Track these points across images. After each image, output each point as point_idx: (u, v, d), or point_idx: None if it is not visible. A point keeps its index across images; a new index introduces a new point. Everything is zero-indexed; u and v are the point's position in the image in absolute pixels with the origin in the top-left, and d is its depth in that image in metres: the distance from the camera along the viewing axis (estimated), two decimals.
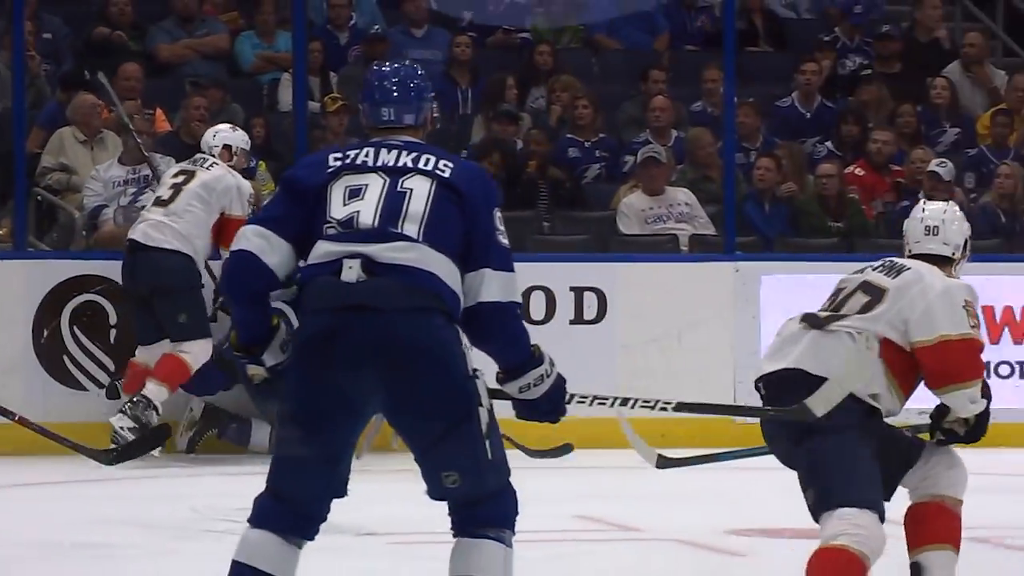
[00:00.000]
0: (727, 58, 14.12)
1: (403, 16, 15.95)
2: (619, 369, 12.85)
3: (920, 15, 16.31)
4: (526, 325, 5.57)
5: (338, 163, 5.36)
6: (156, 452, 11.56)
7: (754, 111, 14.79)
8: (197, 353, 11.81)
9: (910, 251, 7.08)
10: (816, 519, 6.81)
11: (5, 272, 12.43)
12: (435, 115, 5.58)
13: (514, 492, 5.41)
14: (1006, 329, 12.99)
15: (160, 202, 12.16)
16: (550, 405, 5.49)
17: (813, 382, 6.68)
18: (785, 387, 6.77)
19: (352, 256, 5.20)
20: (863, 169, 14.32)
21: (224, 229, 11.70)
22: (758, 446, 7.75)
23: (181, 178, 11.97)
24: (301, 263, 5.41)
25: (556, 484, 9.07)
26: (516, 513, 5.43)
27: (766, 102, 15.28)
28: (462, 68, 15.79)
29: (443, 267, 5.22)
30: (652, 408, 6.69)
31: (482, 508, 5.38)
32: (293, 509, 5.34)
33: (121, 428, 11.70)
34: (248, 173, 13.01)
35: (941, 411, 7.02)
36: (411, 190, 5.26)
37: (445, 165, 5.30)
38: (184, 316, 11.87)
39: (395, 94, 5.46)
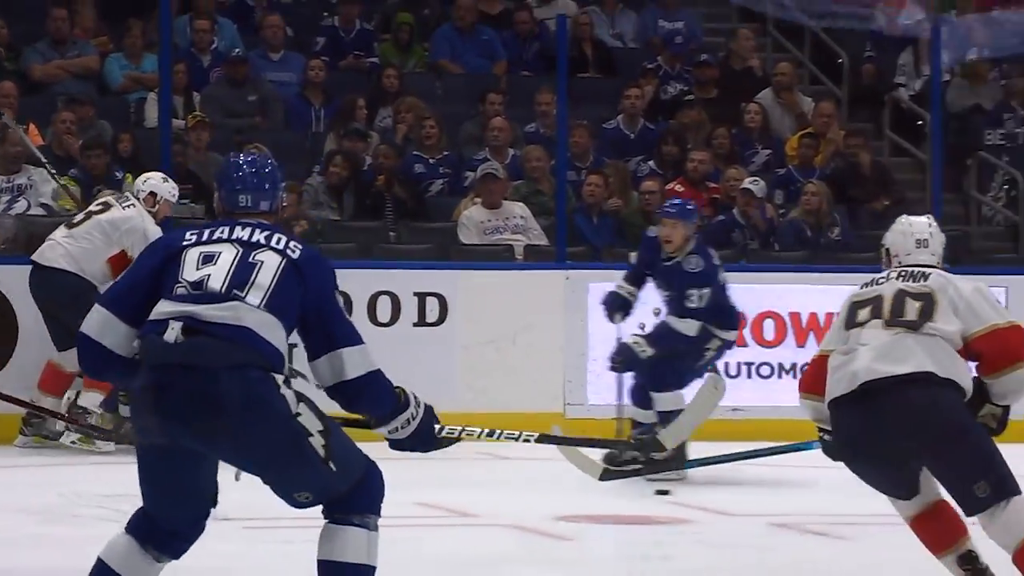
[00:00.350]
0: (560, 83, 14.06)
1: (261, 40, 15.79)
2: (459, 368, 12.89)
3: (735, 45, 16.51)
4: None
5: (194, 237, 5.40)
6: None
7: (585, 132, 14.66)
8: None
9: (900, 262, 7.17)
10: (980, 510, 6.85)
11: None
12: (285, 203, 5.79)
13: (375, 477, 5.44)
14: (811, 334, 13.05)
15: (68, 224, 11.91)
16: (418, 441, 5.60)
17: (941, 383, 6.83)
18: (913, 388, 6.80)
19: (177, 318, 5.22)
20: (682, 185, 14.19)
21: (122, 267, 10.98)
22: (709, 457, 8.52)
23: (97, 207, 11.67)
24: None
25: (397, 472, 9.08)
26: (381, 497, 5.46)
27: (595, 124, 15.13)
28: (316, 89, 15.72)
29: (265, 324, 5.25)
30: (516, 440, 6.66)
31: (343, 501, 5.39)
32: (158, 526, 5.32)
33: (72, 443, 11.58)
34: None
35: (975, 406, 7.05)
36: (262, 262, 5.29)
37: (295, 247, 5.36)
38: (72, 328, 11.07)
39: (252, 182, 5.56)
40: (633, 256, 12.15)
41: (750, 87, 16.11)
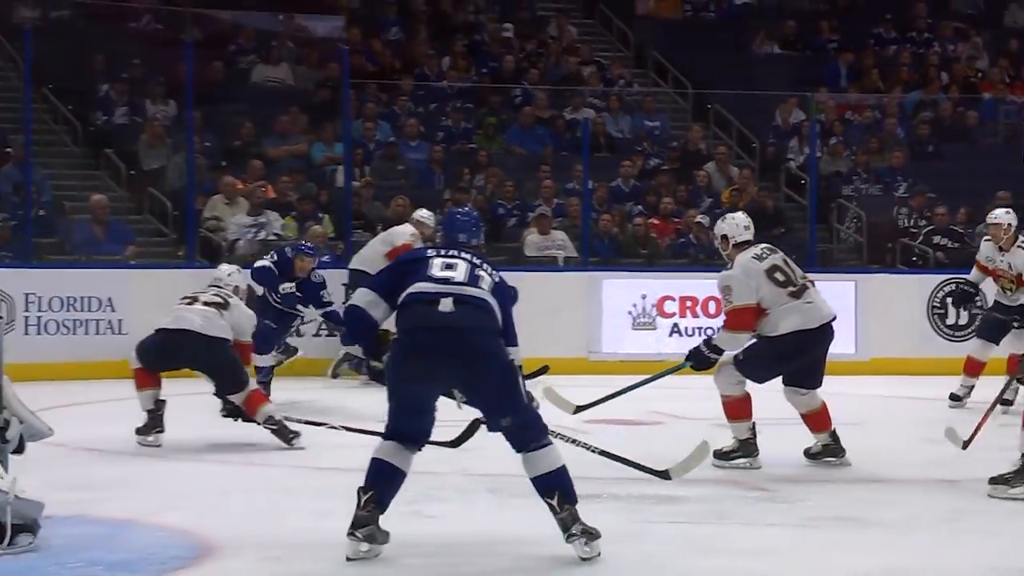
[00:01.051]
0: (584, 159, 14.41)
1: (404, 134, 15.85)
2: (521, 334, 13.00)
3: (690, 135, 16.69)
4: None
5: (434, 251, 5.44)
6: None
7: (601, 188, 14.91)
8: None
9: (735, 242, 7.33)
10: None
11: (182, 277, 11.54)
12: (482, 242, 5.78)
13: (537, 416, 5.29)
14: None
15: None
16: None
17: None
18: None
19: (445, 294, 5.17)
20: (658, 220, 14.76)
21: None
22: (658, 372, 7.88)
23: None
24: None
25: None
26: (545, 427, 5.30)
27: (606, 183, 15.29)
28: (437, 163, 15.56)
29: (494, 306, 5.21)
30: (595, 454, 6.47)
31: (528, 431, 5.24)
32: (401, 434, 5.25)
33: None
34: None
35: None
36: (482, 277, 5.25)
37: (495, 274, 5.33)
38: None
39: (468, 226, 5.86)
40: None
41: (699, 161, 16.31)
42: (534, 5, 19.28)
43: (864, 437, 8.34)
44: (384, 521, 5.19)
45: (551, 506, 5.17)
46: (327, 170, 15.30)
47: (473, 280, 5.24)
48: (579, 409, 7.88)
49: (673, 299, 13.50)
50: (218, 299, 8.45)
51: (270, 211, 14.02)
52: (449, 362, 5.15)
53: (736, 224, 7.52)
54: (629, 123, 17.26)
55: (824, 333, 7.34)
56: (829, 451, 7.69)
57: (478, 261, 5.37)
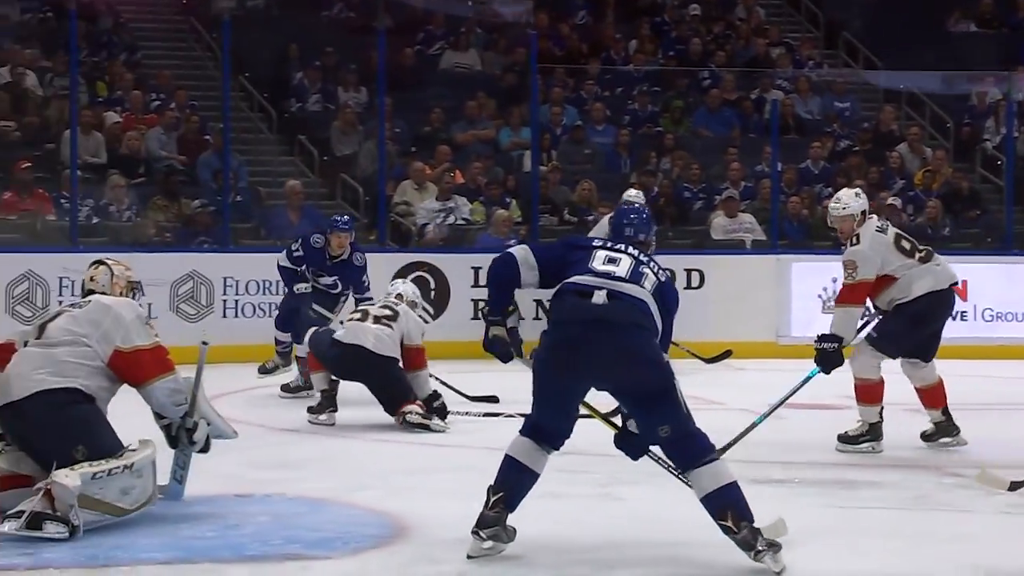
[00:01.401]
0: (773, 141, 14.33)
1: (590, 118, 15.87)
2: (711, 315, 12.61)
3: (882, 116, 16.49)
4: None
5: (601, 242, 5.19)
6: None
7: (790, 171, 14.73)
8: None
9: (868, 216, 7.41)
10: None
11: (374, 261, 10.85)
12: (653, 243, 5.33)
13: (699, 428, 4.99)
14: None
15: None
16: None
17: None
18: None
19: (600, 287, 4.95)
20: None
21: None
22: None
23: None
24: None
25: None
26: (709, 441, 4.98)
27: (795, 165, 15.15)
28: (623, 147, 15.66)
29: (652, 305, 4.98)
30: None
31: (690, 445, 4.95)
32: (543, 431, 5.04)
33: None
34: None
35: None
36: (646, 275, 5.03)
37: (663, 273, 5.11)
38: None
39: (638, 221, 5.33)
40: None
41: (891, 142, 16.11)
42: None
43: None
44: (578, 505, 5.25)
45: (726, 528, 4.84)
46: (514, 155, 15.35)
47: (635, 277, 5.02)
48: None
49: None
50: (387, 311, 8.62)
51: (458, 196, 14.15)
52: (600, 359, 4.91)
53: (864, 199, 7.54)
54: (819, 104, 17.02)
55: (952, 296, 7.45)
56: (943, 429, 7.63)
57: (645, 259, 5.13)
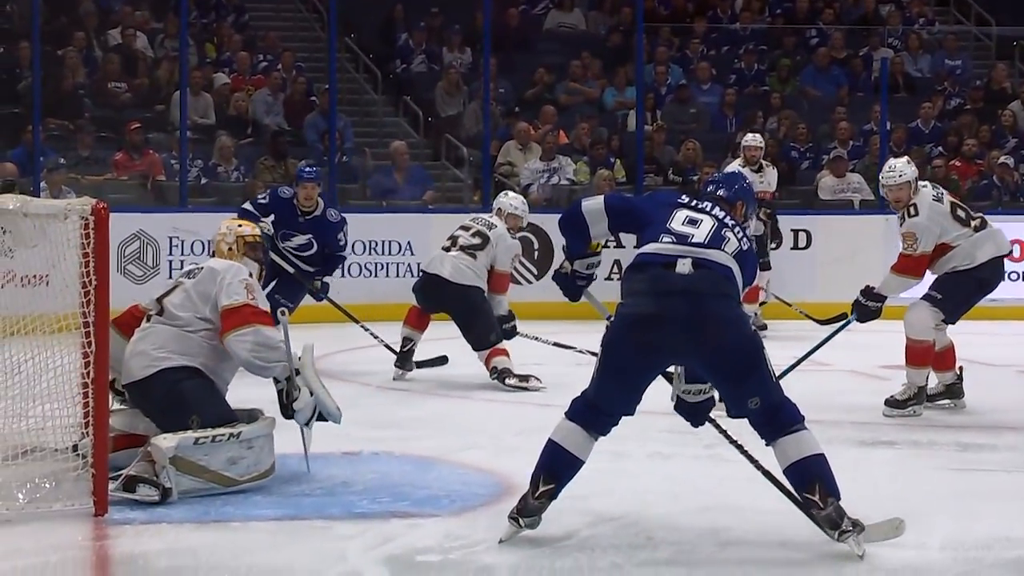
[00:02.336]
0: (883, 100, 14.11)
1: (695, 77, 15.85)
2: (818, 276, 12.71)
3: (994, 74, 16.18)
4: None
5: (685, 199, 4.95)
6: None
7: (900, 130, 14.65)
8: None
9: (922, 186, 7.34)
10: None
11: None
12: (747, 214, 5.06)
13: (787, 397, 4.78)
14: None
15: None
16: None
17: None
18: None
19: (683, 256, 4.70)
20: (960, 162, 14.48)
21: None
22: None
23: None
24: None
25: None
26: (798, 409, 4.74)
27: (904, 124, 15.07)
28: (729, 106, 15.51)
29: (735, 270, 4.75)
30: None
31: (779, 414, 4.72)
32: (599, 414, 4.81)
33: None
34: None
35: None
36: (728, 239, 4.79)
37: (745, 240, 4.88)
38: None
39: (726, 180, 5.12)
40: None
41: (1004, 100, 15.82)
42: None
43: None
44: (687, 465, 5.30)
45: (811, 502, 4.62)
46: (619, 115, 15.38)
47: (716, 241, 4.77)
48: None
49: None
50: (477, 240, 8.57)
51: (562, 156, 14.16)
52: (685, 333, 4.64)
53: (914, 168, 7.49)
54: (929, 62, 16.80)
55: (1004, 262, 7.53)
56: (952, 391, 7.66)
57: (730, 222, 4.87)
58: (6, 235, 5.54)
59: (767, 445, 4.72)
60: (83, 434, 5.34)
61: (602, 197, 4.98)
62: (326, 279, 9.39)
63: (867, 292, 7.25)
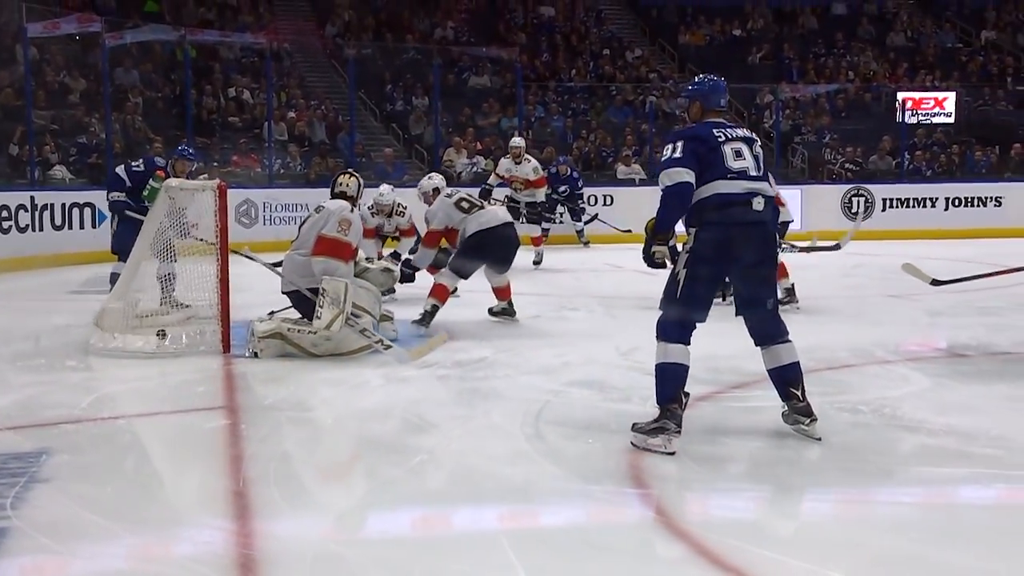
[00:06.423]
0: (650, 125, 17.37)
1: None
2: None
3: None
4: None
5: (721, 135, 5.14)
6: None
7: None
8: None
9: None
10: None
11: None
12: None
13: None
14: None
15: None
16: None
17: None
18: None
19: (754, 192, 5.03)
20: None
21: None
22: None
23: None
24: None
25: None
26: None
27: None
28: (568, 129, 18.65)
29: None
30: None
31: (779, 322, 5.19)
32: (689, 326, 5.16)
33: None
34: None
35: None
36: (760, 154, 5.13)
37: (756, 139, 5.12)
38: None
39: (722, 87, 5.35)
40: None
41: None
42: None
43: None
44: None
45: (794, 395, 5.13)
46: (508, 132, 17.63)
47: (765, 172, 5.13)
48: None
49: None
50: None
51: (479, 156, 18.09)
52: (750, 254, 5.08)
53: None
54: (677, 103, 19.26)
55: None
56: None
57: (754, 137, 5.19)
58: (174, 200, 7.14)
59: (762, 346, 5.25)
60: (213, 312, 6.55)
61: (676, 169, 5.10)
62: None
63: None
